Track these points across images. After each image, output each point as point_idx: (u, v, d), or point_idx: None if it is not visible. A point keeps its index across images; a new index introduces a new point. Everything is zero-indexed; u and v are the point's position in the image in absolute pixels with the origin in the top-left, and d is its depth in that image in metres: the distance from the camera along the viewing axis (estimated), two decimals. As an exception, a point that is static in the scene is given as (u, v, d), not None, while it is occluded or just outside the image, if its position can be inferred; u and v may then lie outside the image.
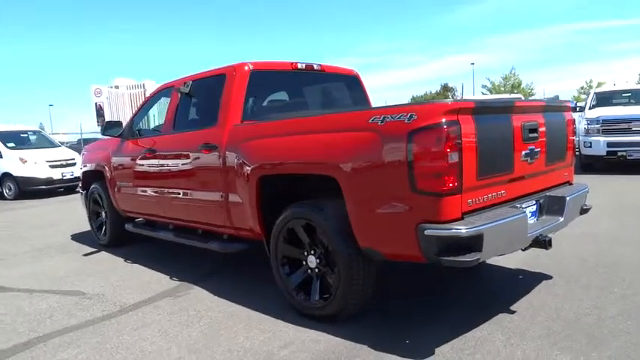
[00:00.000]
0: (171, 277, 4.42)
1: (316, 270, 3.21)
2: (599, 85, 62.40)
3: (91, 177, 6.00)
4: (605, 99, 11.38)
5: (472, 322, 3.07)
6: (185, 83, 4.37)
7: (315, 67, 4.41)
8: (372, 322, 3.15)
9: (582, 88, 61.45)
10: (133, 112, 5.43)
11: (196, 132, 4.14)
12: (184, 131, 4.39)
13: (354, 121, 2.90)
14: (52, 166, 11.90)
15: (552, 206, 3.25)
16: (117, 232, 5.66)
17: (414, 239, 2.58)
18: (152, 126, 6.25)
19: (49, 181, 11.83)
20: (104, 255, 5.47)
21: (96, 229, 5.99)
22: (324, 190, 3.25)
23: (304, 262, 3.28)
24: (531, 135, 3.04)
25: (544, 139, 3.19)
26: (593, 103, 11.20)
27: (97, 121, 22.89)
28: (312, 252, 3.21)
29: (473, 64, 57.08)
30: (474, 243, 2.50)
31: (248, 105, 3.91)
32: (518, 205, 2.97)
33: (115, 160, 5.26)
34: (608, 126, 9.79)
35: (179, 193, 4.34)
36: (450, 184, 2.50)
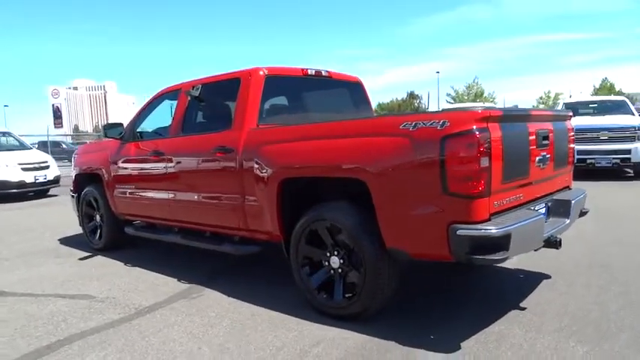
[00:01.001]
0: (178, 280, 4.42)
1: (339, 270, 3.31)
2: (557, 96, 65.34)
3: (84, 180, 5.91)
4: (573, 109, 11.94)
5: (487, 318, 3.24)
6: (194, 87, 4.41)
7: (324, 73, 4.53)
8: (391, 320, 3.28)
9: (541, 98, 64.06)
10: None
11: (209, 135, 4.18)
12: (195, 134, 4.42)
13: (384, 127, 3.03)
14: (24, 169, 11.50)
15: (559, 209, 3.47)
16: (114, 236, 5.59)
17: (444, 239, 2.73)
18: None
19: (22, 184, 11.42)
20: (101, 259, 5.39)
21: (89, 233, 5.89)
22: (344, 192, 3.38)
23: (326, 263, 3.38)
24: (544, 142, 3.26)
25: (553, 146, 3.41)
26: (563, 112, 11.75)
27: (55, 124, 22.25)
28: (335, 253, 3.31)
29: (438, 72, 58.33)
30: (502, 242, 2.67)
31: (263, 109, 3.99)
32: (533, 208, 3.17)
33: (115, 162, 5.21)
34: (578, 135, 10.27)
35: (189, 196, 4.36)
36: (481, 187, 2.66)
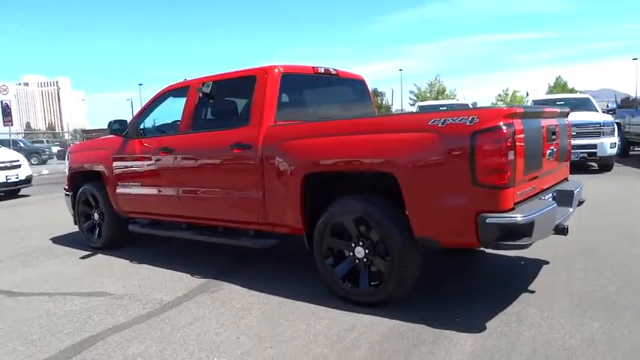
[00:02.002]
0: (192, 275, 4.47)
1: (364, 260, 3.48)
2: (514, 93, 67.77)
3: (80, 178, 5.84)
4: (542, 106, 12.55)
5: (502, 302, 3.48)
6: (205, 84, 4.46)
7: (332, 71, 4.68)
8: (415, 306, 3.46)
9: (500, 95, 66.31)
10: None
11: (224, 132, 4.25)
12: (207, 131, 4.48)
13: (413, 123, 3.22)
14: (-5, 169, 11.11)
15: (563, 199, 3.75)
16: (115, 234, 5.56)
17: (473, 227, 2.94)
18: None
19: (-8, 184, 11.03)
20: (103, 257, 5.36)
21: (86, 232, 5.82)
22: (367, 186, 3.55)
23: (351, 253, 3.54)
24: (552, 137, 3.52)
25: (558, 140, 3.68)
26: (531, 109, 12.31)
27: (4, 121, 21.38)
28: (360, 244, 3.47)
29: (401, 70, 58.99)
30: (527, 229, 2.90)
31: (279, 106, 4.09)
32: (544, 198, 3.43)
33: (118, 159, 5.19)
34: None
35: (202, 192, 4.42)
36: (507, 179, 2.88)
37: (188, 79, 4.89)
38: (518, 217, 2.88)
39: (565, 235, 3.43)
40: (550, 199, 3.56)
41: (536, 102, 12.76)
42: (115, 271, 4.78)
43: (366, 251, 3.45)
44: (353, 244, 3.51)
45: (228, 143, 4.11)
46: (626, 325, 3.01)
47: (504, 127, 2.85)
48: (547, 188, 3.64)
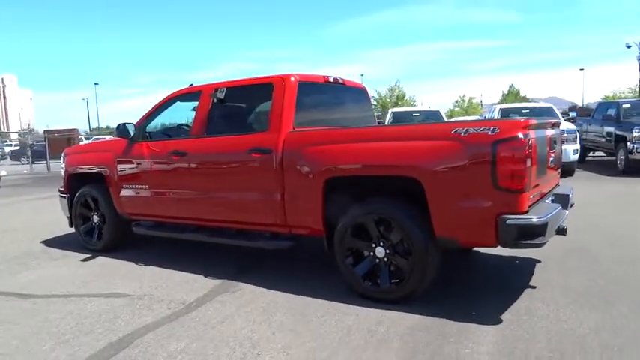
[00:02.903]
0: (205, 276, 4.57)
1: (385, 259, 3.71)
2: (470, 100, 70.22)
3: (79, 180, 5.82)
4: (508, 113, 13.21)
5: (509, 296, 3.79)
6: (219, 89, 4.59)
7: (339, 80, 4.91)
8: (431, 302, 3.71)
9: (457, 101, 68.55)
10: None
11: (242, 136, 4.40)
12: (223, 135, 4.60)
13: (436, 132, 3.49)
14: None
15: (559, 202, 4.10)
16: (116, 237, 5.58)
17: (492, 228, 3.23)
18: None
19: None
20: (106, 260, 5.35)
21: (84, 234, 5.79)
22: (388, 189, 3.79)
23: (371, 253, 3.76)
24: (554, 145, 3.88)
25: (555, 149, 4.05)
26: (499, 116, 12.95)
27: None
28: (381, 243, 3.71)
29: (362, 75, 59.93)
30: (541, 230, 3.21)
31: (296, 113, 4.28)
32: (547, 201, 3.77)
33: (124, 162, 5.22)
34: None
35: (218, 195, 4.54)
36: (524, 183, 3.19)
37: (199, 84, 4.99)
38: (533, 218, 3.19)
39: (564, 235, 3.78)
40: (552, 203, 3.91)
41: (503, 110, 13.41)
42: (124, 273, 4.81)
43: (387, 251, 3.69)
44: (373, 244, 3.74)
45: (247, 148, 4.26)
46: (623, 315, 3.37)
47: (523, 137, 3.16)
48: (547, 193, 3.99)
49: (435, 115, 12.73)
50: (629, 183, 9.98)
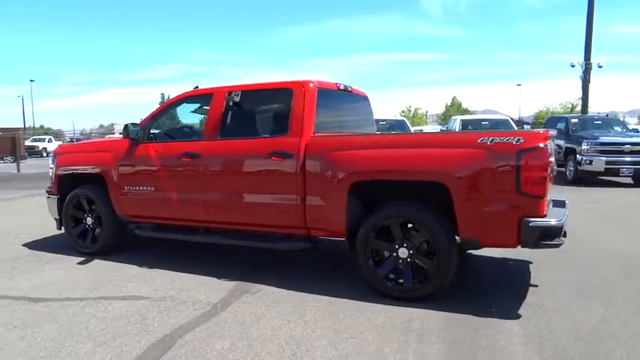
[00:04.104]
0: (218, 278, 4.59)
1: (407, 260, 3.92)
2: (416, 110, 72.66)
3: (71, 181, 5.64)
4: (467, 125, 13.92)
5: (517, 294, 4.10)
6: (233, 92, 4.65)
7: (348, 88, 5.11)
8: (448, 300, 3.95)
9: (403, 111, 70.69)
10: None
11: (261, 140, 4.48)
12: (239, 138, 4.65)
13: (464, 140, 3.74)
14: None
15: (560, 207, 4.47)
16: (113, 239, 5.46)
17: (515, 229, 3.51)
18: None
19: None
20: (104, 263, 5.21)
21: (76, 237, 5.62)
22: (411, 193, 4.01)
23: (394, 254, 3.96)
24: (558, 155, 4.24)
25: (553, 157, 4.42)
26: (460, 127, 13.62)
27: None
28: (405, 245, 3.91)
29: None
30: (558, 231, 3.53)
31: (316, 118, 4.41)
32: (550, 206, 4.11)
33: (127, 162, 5.13)
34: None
35: (234, 197, 4.58)
36: (545, 189, 3.50)
37: (209, 87, 5.02)
38: (552, 221, 3.51)
39: (565, 237, 4.13)
40: (554, 207, 4.26)
41: (464, 121, 14.11)
42: (131, 276, 4.73)
43: (410, 251, 3.89)
44: (397, 246, 3.94)
45: (267, 151, 4.34)
46: (623, 308, 3.75)
47: (544, 147, 3.47)
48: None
49: (401, 124, 13.19)
50: (583, 191, 10.76)
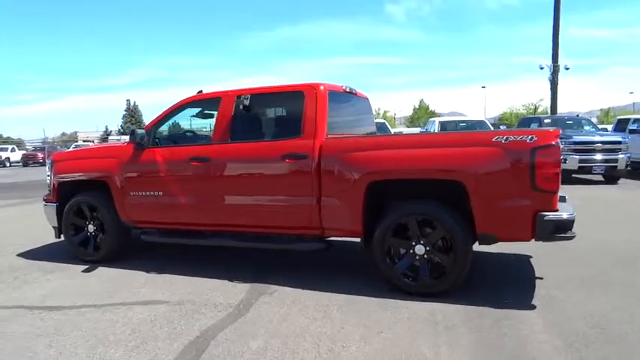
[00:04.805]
0: (230, 280, 4.60)
1: (424, 256, 4.04)
2: (385, 113, 73.61)
3: (70, 188, 5.54)
4: (445, 127, 14.26)
5: (526, 287, 4.28)
6: (243, 96, 4.68)
7: (353, 90, 5.22)
8: (462, 293, 4.08)
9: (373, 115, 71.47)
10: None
11: (273, 142, 4.53)
12: (250, 141, 4.69)
13: (479, 140, 3.90)
14: None
15: (563, 201, 4.68)
16: (118, 246, 5.39)
17: (530, 224, 3.68)
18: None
19: None
20: (110, 270, 5.12)
21: (77, 245, 5.51)
22: (426, 192, 4.14)
23: (410, 251, 4.07)
24: (559, 153, 4.45)
25: None
26: (439, 129, 13.95)
27: None
28: (421, 242, 4.03)
29: (281, 86, 60.38)
30: (570, 224, 3.72)
31: (329, 120, 4.50)
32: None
33: (133, 168, 5.09)
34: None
35: (247, 200, 4.60)
36: (558, 185, 3.68)
37: (217, 91, 5.03)
38: (564, 214, 3.70)
39: None
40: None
41: (442, 123, 14.46)
42: (142, 282, 4.68)
43: (427, 248, 4.01)
44: (413, 243, 4.05)
45: (280, 153, 4.40)
46: (625, 296, 3.97)
47: (556, 145, 3.65)
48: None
49: (382, 126, 13.41)
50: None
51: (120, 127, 68.45)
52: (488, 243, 3.98)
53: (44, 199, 5.79)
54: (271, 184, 4.52)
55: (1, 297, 4.37)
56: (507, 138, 3.73)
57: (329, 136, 4.41)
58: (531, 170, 3.65)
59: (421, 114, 71.19)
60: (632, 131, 13.97)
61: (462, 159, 3.83)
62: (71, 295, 4.38)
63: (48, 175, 5.75)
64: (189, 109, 5.24)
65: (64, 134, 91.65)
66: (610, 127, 18.42)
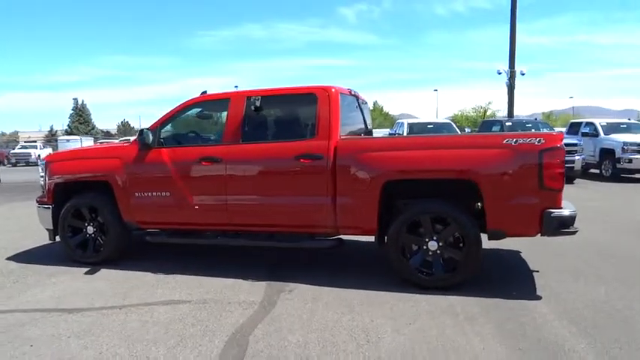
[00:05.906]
0: (245, 279, 4.67)
1: (437, 252, 4.27)
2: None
3: (68, 189, 5.43)
4: (413, 129, 14.70)
5: (525, 279, 4.60)
6: (253, 97, 4.76)
7: (357, 94, 5.41)
8: (470, 287, 4.33)
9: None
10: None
11: (287, 143, 4.63)
12: (262, 142, 4.78)
13: (490, 142, 4.18)
14: None
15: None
16: (120, 247, 5.33)
17: (537, 220, 3.99)
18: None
19: None
20: (115, 272, 5.05)
21: (75, 247, 5.40)
22: (438, 191, 4.37)
23: (424, 247, 4.29)
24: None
25: None
26: (408, 131, 14.37)
27: None
28: (434, 238, 4.26)
29: (237, 86, 59.70)
30: (572, 220, 4.05)
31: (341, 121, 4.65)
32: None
33: (138, 168, 5.05)
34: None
35: (259, 200, 4.69)
36: (562, 184, 4.00)
37: (225, 92, 5.08)
38: (568, 211, 4.02)
39: None
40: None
41: (411, 125, 14.89)
42: (155, 283, 4.67)
43: (440, 244, 4.25)
44: (427, 239, 4.28)
45: (294, 154, 4.51)
46: (620, 286, 4.35)
47: (561, 147, 3.97)
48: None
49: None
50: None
51: (67, 127, 65.64)
52: (497, 238, 4.26)
53: (37, 201, 5.63)
54: (286, 184, 4.63)
55: (11, 302, 4.26)
56: (517, 140, 4.02)
57: (345, 136, 4.57)
58: (539, 170, 3.95)
59: (376, 115, 72.45)
60: (584, 134, 14.88)
61: (476, 160, 4.09)
62: (83, 296, 4.32)
63: (42, 177, 5.59)
64: (195, 109, 5.25)
65: (3, 134, 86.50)
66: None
